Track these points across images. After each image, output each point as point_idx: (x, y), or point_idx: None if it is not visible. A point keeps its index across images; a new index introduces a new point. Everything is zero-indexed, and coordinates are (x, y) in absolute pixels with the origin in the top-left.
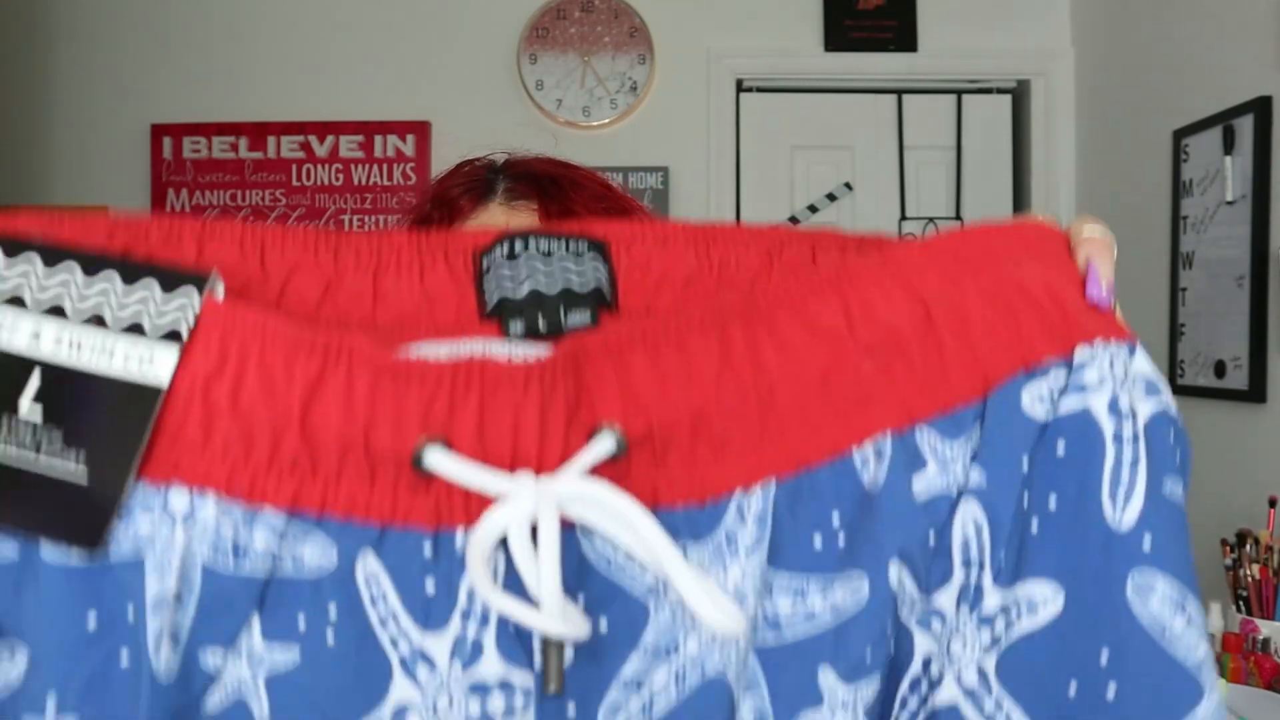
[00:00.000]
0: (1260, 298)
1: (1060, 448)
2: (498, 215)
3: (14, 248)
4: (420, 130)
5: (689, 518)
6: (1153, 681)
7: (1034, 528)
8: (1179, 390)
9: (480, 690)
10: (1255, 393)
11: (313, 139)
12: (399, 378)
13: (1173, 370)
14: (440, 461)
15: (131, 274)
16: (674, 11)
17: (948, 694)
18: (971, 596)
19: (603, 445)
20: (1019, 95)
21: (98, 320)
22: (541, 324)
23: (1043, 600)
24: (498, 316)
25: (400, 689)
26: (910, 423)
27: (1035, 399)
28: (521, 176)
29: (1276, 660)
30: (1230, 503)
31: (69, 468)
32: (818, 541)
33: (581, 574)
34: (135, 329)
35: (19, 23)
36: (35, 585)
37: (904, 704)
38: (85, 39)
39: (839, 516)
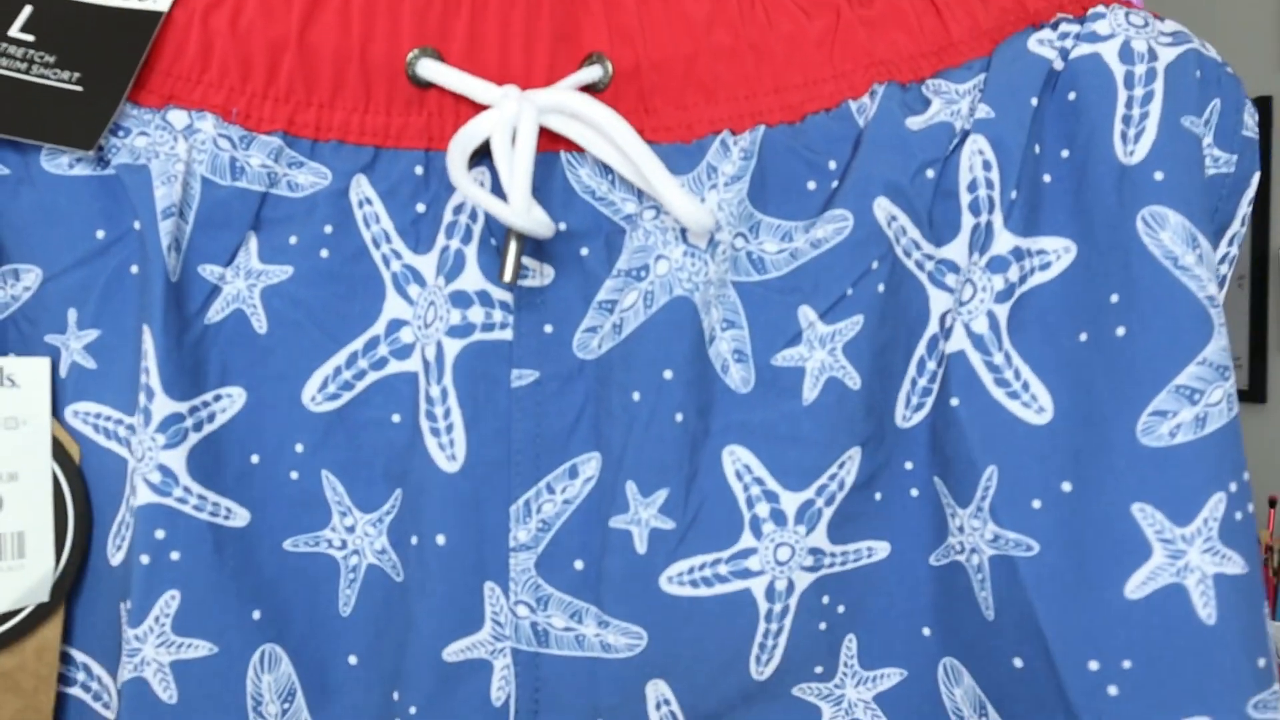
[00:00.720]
0: (1260, 298)
1: (1071, 95)
2: None
3: None
4: None
5: (673, 151)
6: (1165, 316)
7: (1046, 179)
8: None
9: (461, 300)
10: (1255, 393)
11: None
12: None
13: None
14: (432, 69)
15: None
16: None
17: (957, 342)
18: (982, 240)
19: (589, 71)
20: None
21: None
22: None
23: (1055, 255)
24: None
25: (394, 305)
26: (915, 79)
27: (1042, 43)
28: None
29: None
30: None
31: (62, 77)
32: (811, 186)
33: (567, 203)
34: None
35: None
36: (36, 197)
37: (921, 366)
38: None
39: (835, 164)
